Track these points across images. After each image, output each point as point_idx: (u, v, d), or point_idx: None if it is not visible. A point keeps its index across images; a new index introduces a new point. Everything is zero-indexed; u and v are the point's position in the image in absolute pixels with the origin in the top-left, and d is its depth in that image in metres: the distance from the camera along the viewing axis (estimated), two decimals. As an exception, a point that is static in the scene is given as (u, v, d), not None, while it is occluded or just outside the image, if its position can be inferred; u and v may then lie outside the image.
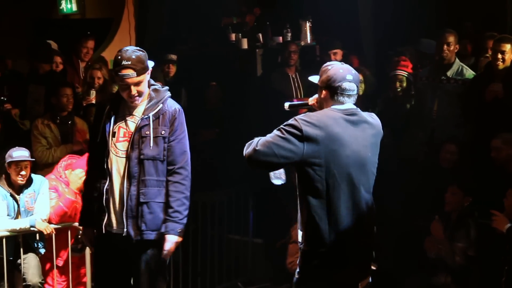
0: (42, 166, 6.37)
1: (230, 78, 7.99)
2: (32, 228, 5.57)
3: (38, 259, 5.76)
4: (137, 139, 4.18)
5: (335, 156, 3.50)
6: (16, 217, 5.65)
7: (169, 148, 4.22)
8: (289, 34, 8.47)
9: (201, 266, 6.90)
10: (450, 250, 5.58)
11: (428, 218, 5.84)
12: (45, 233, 5.58)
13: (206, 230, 6.86)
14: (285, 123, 3.55)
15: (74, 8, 9.32)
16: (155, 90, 4.27)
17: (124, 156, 4.20)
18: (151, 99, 4.23)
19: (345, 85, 3.59)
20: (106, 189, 4.20)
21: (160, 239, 4.22)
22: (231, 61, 8.34)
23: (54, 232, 5.62)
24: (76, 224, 5.51)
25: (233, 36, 8.75)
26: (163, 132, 4.20)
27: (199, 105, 7.92)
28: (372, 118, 3.72)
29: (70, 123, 6.57)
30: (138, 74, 4.09)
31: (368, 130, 3.64)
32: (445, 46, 6.61)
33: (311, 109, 3.78)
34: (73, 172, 5.83)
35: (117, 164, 4.21)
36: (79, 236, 5.59)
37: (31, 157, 5.77)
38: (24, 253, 5.65)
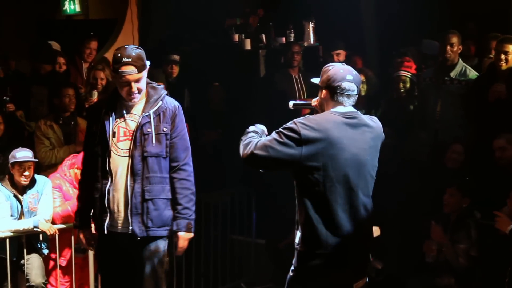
0: (45, 167, 6.39)
1: (233, 79, 7.99)
2: (35, 229, 5.57)
3: (41, 259, 5.77)
4: (139, 137, 4.20)
5: (333, 159, 3.50)
6: (20, 218, 5.67)
7: (171, 145, 4.26)
8: (292, 35, 8.47)
9: (204, 266, 6.90)
10: (453, 252, 5.57)
11: (431, 219, 5.83)
12: (48, 233, 5.58)
13: (209, 230, 6.85)
14: (284, 126, 3.56)
15: (78, 9, 9.34)
16: (153, 88, 4.30)
17: (127, 155, 4.21)
18: (150, 96, 4.26)
19: (345, 85, 3.59)
20: (108, 189, 4.21)
21: (163, 235, 4.27)
22: (234, 62, 8.34)
23: (58, 233, 5.62)
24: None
25: (236, 37, 8.76)
26: (164, 129, 4.24)
27: (202, 105, 7.94)
28: (373, 121, 3.71)
29: (73, 123, 6.59)
30: (139, 71, 4.12)
31: (367, 134, 3.63)
32: (449, 47, 6.62)
33: (314, 109, 3.78)
34: (77, 171, 5.83)
35: (119, 163, 4.21)
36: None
37: (35, 158, 5.78)
38: (28, 253, 5.67)
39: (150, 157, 4.20)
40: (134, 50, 4.14)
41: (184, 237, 4.30)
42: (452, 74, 6.64)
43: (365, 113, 3.83)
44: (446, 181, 5.87)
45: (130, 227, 4.21)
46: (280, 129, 3.55)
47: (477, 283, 5.59)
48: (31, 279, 5.66)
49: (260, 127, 3.83)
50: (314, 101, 3.78)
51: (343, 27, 8.15)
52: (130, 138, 4.21)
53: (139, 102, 4.25)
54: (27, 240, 5.63)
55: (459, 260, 5.56)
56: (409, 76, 6.95)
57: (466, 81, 6.59)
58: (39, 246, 5.76)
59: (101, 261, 4.48)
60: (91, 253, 5.74)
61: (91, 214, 4.38)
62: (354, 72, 3.67)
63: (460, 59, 6.69)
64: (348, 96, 3.61)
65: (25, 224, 5.58)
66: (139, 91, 4.18)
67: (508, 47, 6.21)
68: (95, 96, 6.80)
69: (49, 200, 5.76)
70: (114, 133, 4.22)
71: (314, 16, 8.51)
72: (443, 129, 6.68)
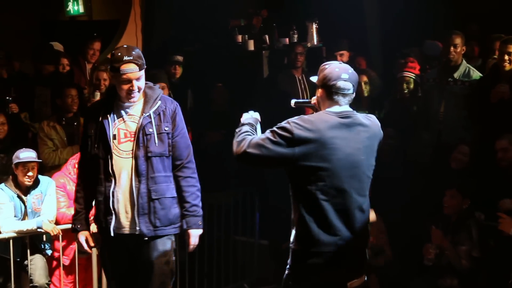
0: (49, 168, 6.39)
1: (237, 80, 7.99)
2: (39, 229, 5.58)
3: (45, 260, 5.77)
4: (141, 138, 4.21)
5: (326, 160, 3.49)
6: (23, 218, 5.67)
7: (174, 143, 4.29)
8: (296, 36, 8.47)
9: (208, 267, 6.91)
10: (455, 254, 5.56)
11: (432, 220, 5.83)
12: (52, 234, 5.60)
13: (212, 231, 6.85)
14: (277, 125, 3.56)
15: (81, 10, 9.35)
16: (150, 88, 4.32)
17: (130, 156, 4.22)
18: (148, 96, 4.28)
19: (340, 83, 3.58)
20: (113, 191, 4.22)
21: (171, 233, 4.31)
22: (238, 63, 8.34)
23: (61, 234, 5.63)
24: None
25: (239, 38, 8.76)
26: (166, 128, 4.26)
27: (205, 106, 7.94)
28: (369, 120, 3.68)
29: (76, 124, 6.58)
30: (140, 69, 4.15)
31: (362, 133, 3.61)
32: (452, 48, 6.60)
33: (315, 108, 3.78)
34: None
35: (122, 165, 4.22)
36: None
37: (38, 159, 5.79)
38: (31, 254, 5.67)
39: (154, 157, 4.23)
40: (133, 49, 4.17)
41: (195, 234, 4.37)
42: (456, 75, 6.63)
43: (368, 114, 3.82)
44: (449, 182, 5.86)
45: (138, 228, 4.22)
46: (274, 128, 3.56)
47: (480, 284, 5.58)
48: (35, 280, 5.67)
49: (254, 117, 3.84)
50: (313, 100, 3.78)
51: (347, 28, 8.15)
52: (132, 139, 4.22)
53: (137, 103, 4.26)
54: (30, 241, 5.64)
55: (462, 262, 5.55)
56: (413, 77, 6.95)
57: (469, 82, 6.58)
58: (42, 247, 5.77)
59: (110, 263, 4.45)
60: (94, 254, 5.75)
61: (89, 216, 4.40)
62: (351, 70, 3.64)
63: (463, 60, 6.68)
64: (344, 95, 3.60)
65: (29, 224, 5.59)
66: (139, 89, 4.20)
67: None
68: (97, 97, 6.80)
69: (53, 201, 5.77)
70: (114, 136, 4.22)
71: (318, 17, 8.51)
72: (446, 130, 6.66)
